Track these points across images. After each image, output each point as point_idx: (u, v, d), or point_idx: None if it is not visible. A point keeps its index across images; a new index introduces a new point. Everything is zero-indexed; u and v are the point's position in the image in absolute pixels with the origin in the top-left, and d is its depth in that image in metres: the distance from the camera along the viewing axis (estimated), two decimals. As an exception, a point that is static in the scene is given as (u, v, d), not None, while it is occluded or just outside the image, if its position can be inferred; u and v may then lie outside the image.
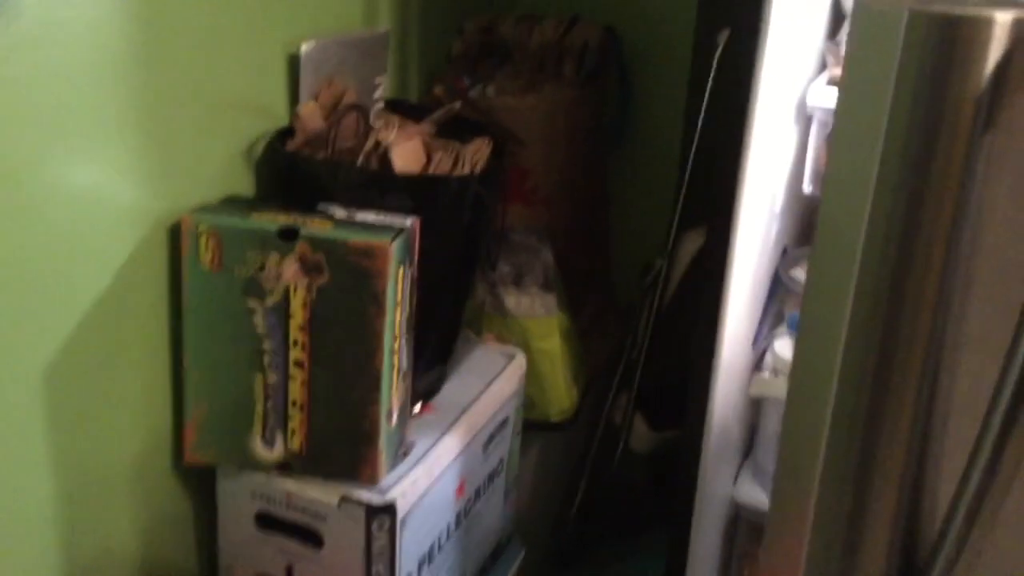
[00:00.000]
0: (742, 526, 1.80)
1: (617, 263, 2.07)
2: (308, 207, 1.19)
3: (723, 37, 1.73)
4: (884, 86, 0.61)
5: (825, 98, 1.48)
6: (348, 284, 1.12)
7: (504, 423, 1.50)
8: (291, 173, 1.26)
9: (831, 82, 1.49)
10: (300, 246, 1.11)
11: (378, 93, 1.47)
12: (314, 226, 1.13)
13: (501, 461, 1.52)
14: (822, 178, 1.51)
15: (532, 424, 1.63)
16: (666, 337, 1.93)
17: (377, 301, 1.12)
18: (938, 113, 0.60)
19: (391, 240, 1.11)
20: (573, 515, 2.00)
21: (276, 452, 1.19)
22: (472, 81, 1.77)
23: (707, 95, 1.74)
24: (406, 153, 1.30)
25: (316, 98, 1.33)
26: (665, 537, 1.92)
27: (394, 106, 1.50)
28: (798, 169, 1.57)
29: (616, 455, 1.96)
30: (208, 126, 1.19)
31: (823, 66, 1.55)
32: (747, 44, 1.30)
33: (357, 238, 1.11)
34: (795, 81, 1.45)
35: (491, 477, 1.50)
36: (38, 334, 1.01)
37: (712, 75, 1.63)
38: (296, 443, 1.18)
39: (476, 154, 1.34)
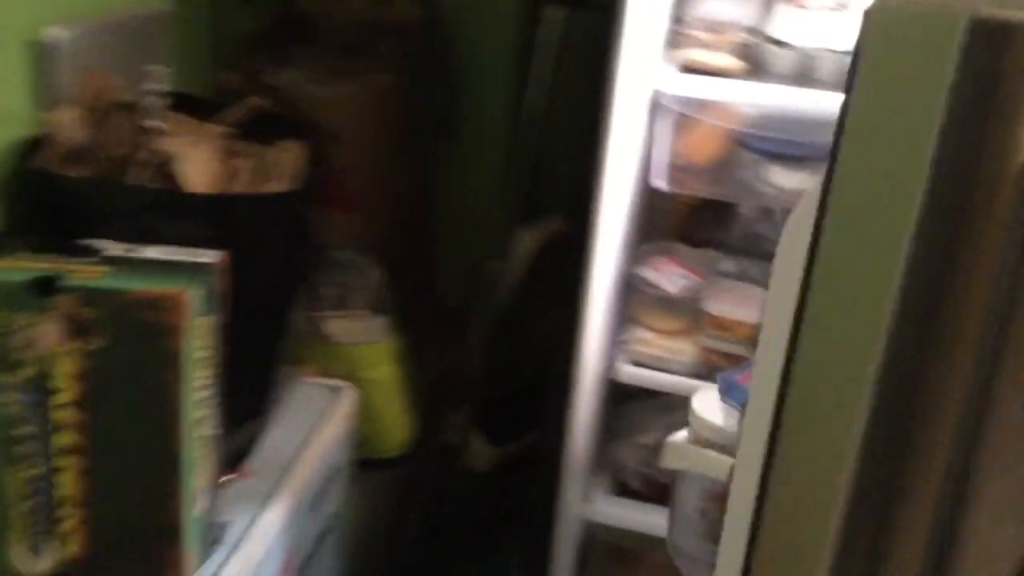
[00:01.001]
0: (597, 547, 1.67)
1: (444, 266, 1.87)
2: (70, 244, 0.92)
3: (556, 14, 1.56)
4: (925, 106, 0.44)
5: (678, 85, 1.34)
6: (133, 346, 0.86)
7: (335, 472, 1.28)
8: (43, 198, 0.98)
9: (684, 68, 1.35)
10: (63, 302, 0.84)
11: (156, 87, 1.19)
12: (81, 273, 0.86)
13: (333, 516, 1.30)
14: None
15: (365, 463, 1.42)
16: (504, 344, 1.76)
17: (172, 364, 0.87)
18: (1008, 137, 0.44)
19: (187, 285, 0.86)
20: (411, 547, 1.80)
21: (46, 562, 0.92)
22: (272, 66, 1.51)
23: (540, 79, 1.57)
24: (198, 164, 1.05)
25: (76, 98, 1.04)
26: (516, 559, 1.77)
27: (179, 103, 1.22)
28: (644, 161, 1.43)
29: (455, 477, 1.78)
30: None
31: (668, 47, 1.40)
32: (601, 22, 1.13)
33: (142, 286, 0.85)
34: (642, 64, 1.30)
35: (322, 537, 1.28)
36: None
37: (554, 56, 1.46)
38: (72, 550, 0.92)
39: (288, 161, 1.11)
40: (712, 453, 0.73)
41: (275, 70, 1.50)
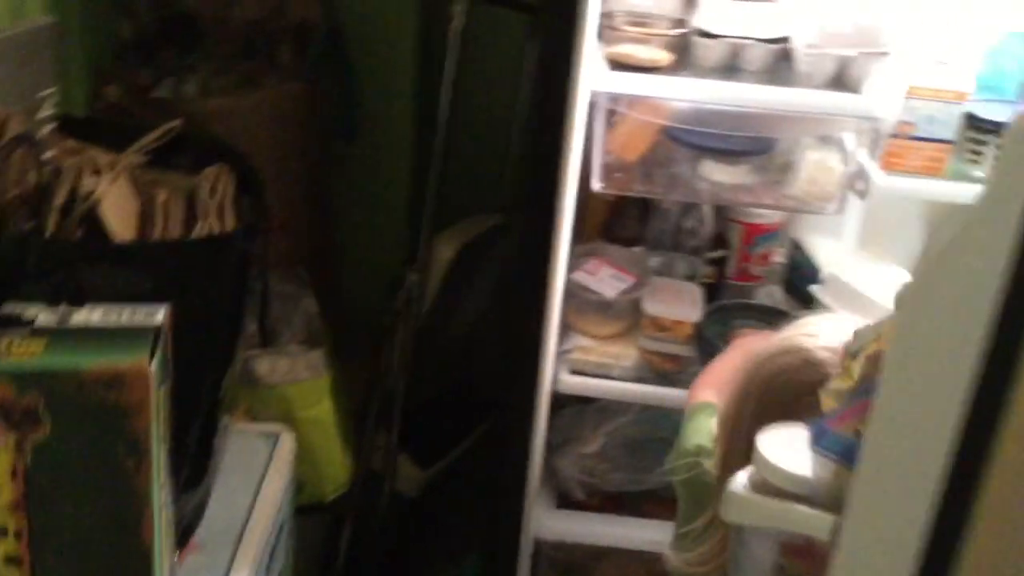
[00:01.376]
0: (543, 562, 1.60)
1: (354, 279, 1.75)
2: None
3: (461, 8, 1.46)
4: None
5: (610, 82, 1.28)
6: (86, 433, 0.73)
7: (282, 529, 1.16)
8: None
9: (614, 63, 1.29)
10: (-4, 388, 0.70)
11: (45, 114, 1.03)
12: (14, 350, 0.72)
13: (280, 572, 1.18)
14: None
15: (304, 509, 1.30)
16: (426, 358, 1.66)
17: (136, 448, 0.74)
18: None
19: (149, 355, 0.73)
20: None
21: None
22: (156, 76, 1.35)
23: (452, 76, 1.47)
24: (118, 204, 0.90)
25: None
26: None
27: (68, 129, 1.06)
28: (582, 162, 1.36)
29: (381, 504, 1.67)
30: None
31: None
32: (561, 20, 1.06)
33: (93, 362, 0.72)
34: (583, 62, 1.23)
35: (273, 599, 1.16)
36: None
37: (455, 51, 1.35)
38: (23, 675, 0.77)
39: (216, 193, 0.97)
40: (803, 508, 0.67)
41: (159, 79, 1.34)
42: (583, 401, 1.58)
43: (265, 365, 1.20)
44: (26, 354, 0.72)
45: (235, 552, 1.01)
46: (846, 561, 0.58)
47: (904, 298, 0.53)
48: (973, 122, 1.28)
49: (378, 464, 1.65)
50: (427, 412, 1.76)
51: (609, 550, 1.54)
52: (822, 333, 0.87)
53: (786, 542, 0.71)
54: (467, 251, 1.63)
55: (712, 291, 1.55)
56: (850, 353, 0.72)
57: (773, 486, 0.69)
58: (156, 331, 0.77)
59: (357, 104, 1.58)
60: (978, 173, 1.30)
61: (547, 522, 1.51)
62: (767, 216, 1.59)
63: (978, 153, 1.29)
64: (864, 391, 0.66)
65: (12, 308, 0.78)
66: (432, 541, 1.74)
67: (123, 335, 0.75)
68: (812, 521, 0.66)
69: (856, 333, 0.75)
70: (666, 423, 1.59)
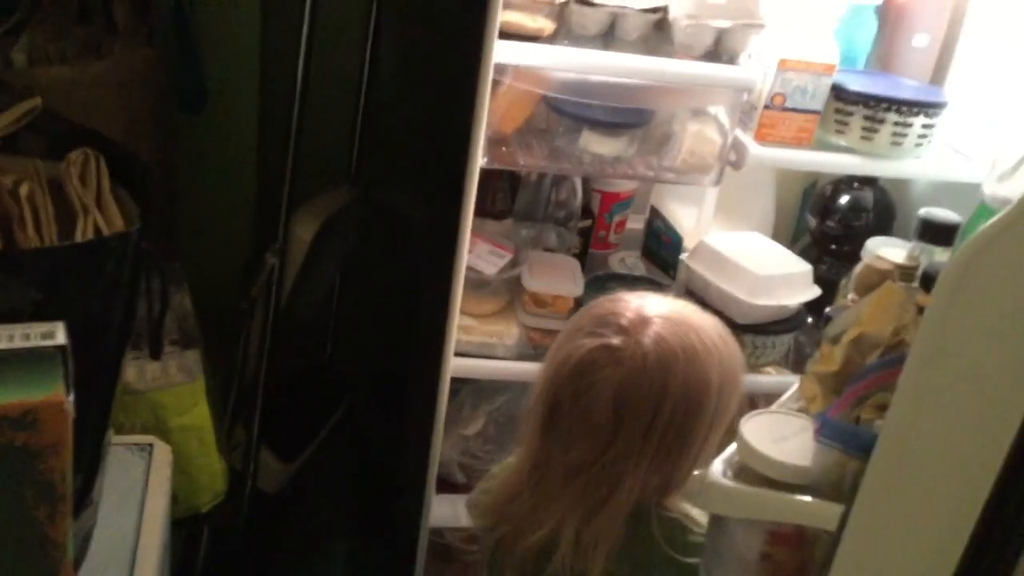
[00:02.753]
0: (421, 548, 1.55)
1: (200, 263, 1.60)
2: None
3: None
4: None
5: (501, 53, 1.22)
6: (-10, 482, 0.61)
7: (167, 549, 1.05)
8: None
9: (504, 33, 1.23)
10: None
11: None
12: None
13: (165, 597, 1.07)
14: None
15: (178, 524, 1.18)
16: (285, 344, 1.56)
17: (50, 494, 0.63)
18: None
19: (64, 385, 0.62)
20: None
21: None
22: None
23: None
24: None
25: None
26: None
27: None
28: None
29: (243, 505, 1.56)
30: None
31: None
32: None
33: (4, 397, 0.60)
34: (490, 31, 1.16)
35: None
36: None
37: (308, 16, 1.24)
38: None
39: (87, 180, 0.85)
40: (809, 500, 0.66)
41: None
42: (456, 382, 1.54)
43: (133, 370, 1.07)
44: (-94, 394, 0.59)
45: (131, 584, 0.90)
46: (855, 548, 0.57)
47: (942, 283, 0.52)
48: (840, 93, 1.33)
49: (238, 462, 1.54)
50: (284, 401, 1.66)
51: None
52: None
53: (773, 530, 0.70)
54: (327, 230, 1.53)
55: (580, 261, 1.54)
56: (829, 339, 0.71)
57: (761, 476, 0.67)
58: (63, 353, 0.65)
59: (201, 72, 1.43)
60: (842, 143, 1.35)
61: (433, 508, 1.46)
62: (623, 184, 1.60)
63: (844, 124, 1.34)
64: (860, 376, 0.65)
65: None
66: (297, 536, 1.64)
67: (26, 361, 0.63)
68: (819, 512, 0.65)
69: (834, 320, 0.75)
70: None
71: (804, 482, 0.67)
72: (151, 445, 1.08)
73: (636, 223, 1.69)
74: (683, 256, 1.51)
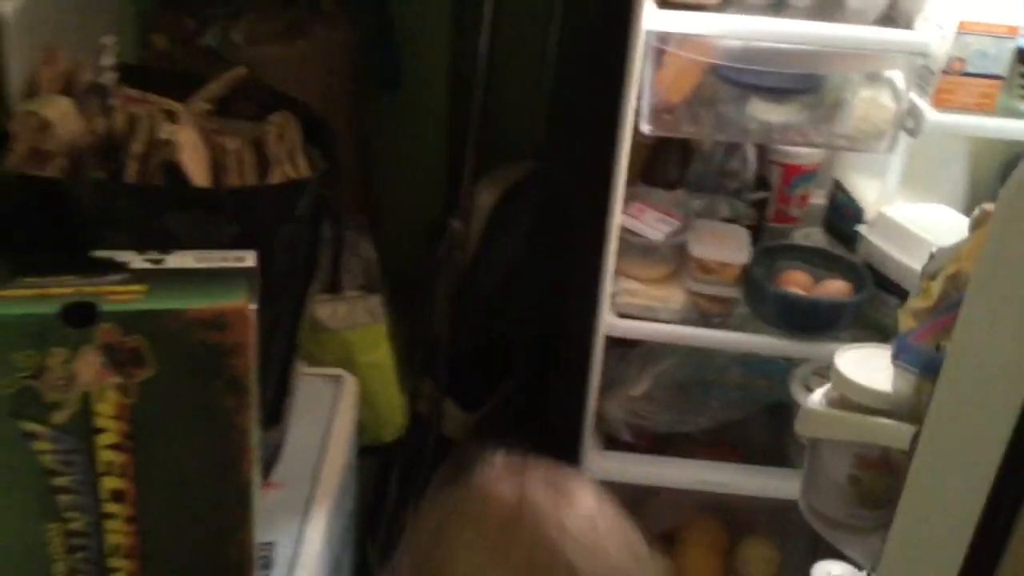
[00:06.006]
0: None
1: (391, 227, 1.76)
2: (83, 260, 0.78)
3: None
4: None
5: (662, 21, 1.27)
6: (189, 372, 0.74)
7: (351, 469, 1.18)
8: (25, 208, 0.82)
9: (662, 3, 1.28)
10: (102, 331, 0.71)
11: (106, 62, 1.03)
12: (116, 294, 0.73)
13: (351, 513, 1.21)
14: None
15: (364, 451, 1.32)
16: (468, 304, 1.68)
17: (237, 387, 0.76)
18: None
19: (245, 296, 0.74)
20: (384, 523, 1.72)
21: (97, 625, 0.80)
22: (199, 23, 1.35)
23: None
24: (191, 152, 0.91)
25: (38, 81, 0.88)
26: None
27: (124, 75, 1.06)
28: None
29: (427, 448, 1.70)
30: None
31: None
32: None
33: (194, 303, 0.73)
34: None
35: (345, 533, 1.19)
36: None
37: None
38: (129, 606, 0.80)
39: (285, 140, 0.98)
40: (884, 420, 0.69)
41: (203, 26, 1.34)
42: (626, 344, 1.60)
43: (327, 310, 1.22)
44: (129, 298, 0.73)
45: (313, 489, 1.04)
46: (924, 468, 0.59)
47: (1000, 202, 0.54)
48: (1024, 57, 1.28)
49: (424, 409, 1.68)
50: (469, 358, 1.78)
51: (656, 489, 1.57)
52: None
53: (861, 454, 0.73)
54: (508, 197, 1.63)
55: (753, 233, 1.56)
56: (928, 275, 0.73)
57: (851, 401, 0.71)
58: (250, 273, 0.78)
59: (400, 52, 1.58)
60: (1029, 108, 1.30)
61: (597, 462, 1.54)
62: (806, 156, 1.59)
63: (1030, 88, 1.29)
64: (945, 308, 0.67)
65: (102, 255, 0.79)
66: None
67: (219, 278, 0.77)
68: (891, 432, 0.68)
69: (933, 255, 0.76)
70: (711, 365, 1.61)
71: (885, 406, 0.69)
72: (340, 377, 1.22)
73: (819, 199, 1.68)
74: (860, 228, 1.49)
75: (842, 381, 0.72)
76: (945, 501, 0.61)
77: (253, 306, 0.75)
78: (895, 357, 0.69)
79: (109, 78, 0.98)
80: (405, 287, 1.70)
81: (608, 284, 1.34)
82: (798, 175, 1.62)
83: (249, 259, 0.80)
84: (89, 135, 0.90)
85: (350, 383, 1.22)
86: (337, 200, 0.95)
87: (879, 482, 0.73)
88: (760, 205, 1.61)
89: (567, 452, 1.45)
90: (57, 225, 0.80)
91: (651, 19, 1.26)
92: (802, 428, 0.76)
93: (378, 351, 1.28)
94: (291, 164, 0.95)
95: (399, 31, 1.56)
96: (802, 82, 1.34)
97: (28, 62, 0.90)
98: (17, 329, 0.70)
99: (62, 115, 0.83)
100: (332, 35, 1.33)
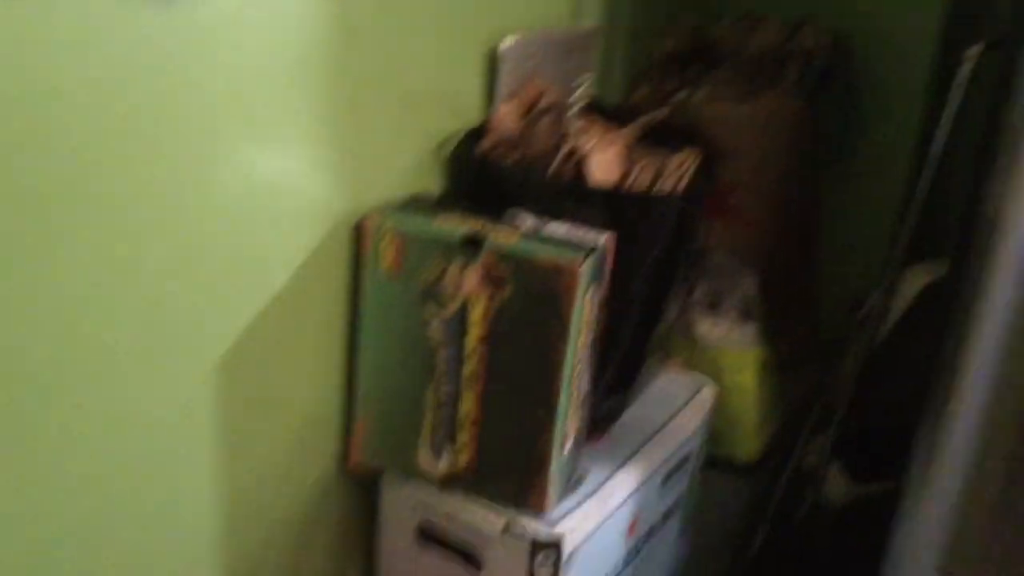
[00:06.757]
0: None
1: (824, 294, 1.89)
2: (494, 212, 1.12)
3: (973, 52, 1.53)
4: None
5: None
6: (531, 302, 1.03)
7: (685, 459, 1.38)
8: (479, 176, 1.19)
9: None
10: (485, 257, 1.04)
11: (578, 94, 1.38)
12: (500, 236, 1.05)
13: (678, 500, 1.41)
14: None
15: (714, 461, 1.50)
16: (876, 380, 1.74)
17: (561, 323, 1.03)
18: None
19: (582, 260, 1.01)
20: (748, 563, 1.84)
21: (442, 466, 1.13)
22: (679, 85, 1.65)
23: (952, 116, 1.55)
24: (604, 163, 1.21)
25: (514, 97, 1.25)
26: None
27: (594, 108, 1.40)
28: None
29: (804, 503, 1.79)
30: (399, 122, 1.14)
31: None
32: (1010, 61, 1.12)
33: (545, 255, 1.02)
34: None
35: (666, 516, 1.38)
36: (215, 328, 0.98)
37: (959, 94, 1.44)
38: (463, 459, 1.11)
39: (681, 168, 1.23)
40: None
41: (680, 87, 1.64)
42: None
43: (705, 326, 1.43)
44: (508, 240, 1.04)
45: (638, 450, 1.26)
46: None
47: None
48: None
49: (810, 463, 1.77)
50: (874, 435, 1.83)
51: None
52: None
53: None
54: (930, 289, 1.67)
55: None
56: None
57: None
58: (593, 248, 1.05)
59: (850, 129, 1.72)
60: None
61: None
62: None
63: None
64: None
65: (512, 213, 1.12)
66: (843, 558, 1.80)
67: (571, 245, 1.05)
68: None
69: None
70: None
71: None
72: (704, 383, 1.43)
73: None
74: None
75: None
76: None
77: (584, 268, 1.01)
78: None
79: (570, 104, 1.33)
80: (827, 342, 1.81)
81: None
82: None
83: (600, 240, 1.07)
84: (542, 143, 1.25)
85: (708, 392, 1.42)
86: (700, 217, 1.17)
87: None
88: None
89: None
90: (489, 187, 1.16)
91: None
92: None
93: (744, 374, 1.45)
94: (675, 183, 1.20)
95: (857, 109, 1.71)
96: None
97: (514, 84, 1.27)
98: (434, 244, 1.05)
99: (503, 117, 1.19)
100: (777, 103, 1.54)
